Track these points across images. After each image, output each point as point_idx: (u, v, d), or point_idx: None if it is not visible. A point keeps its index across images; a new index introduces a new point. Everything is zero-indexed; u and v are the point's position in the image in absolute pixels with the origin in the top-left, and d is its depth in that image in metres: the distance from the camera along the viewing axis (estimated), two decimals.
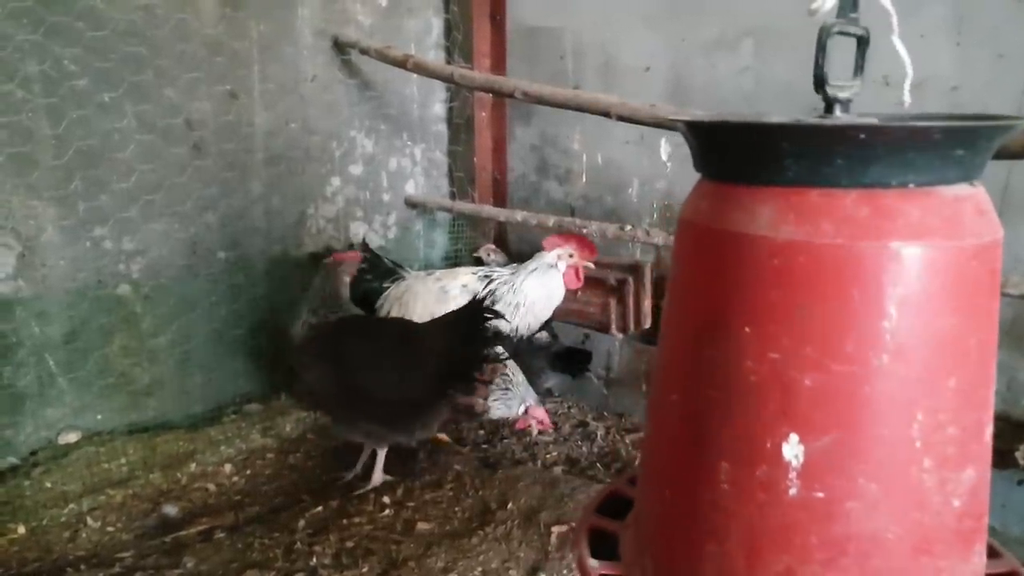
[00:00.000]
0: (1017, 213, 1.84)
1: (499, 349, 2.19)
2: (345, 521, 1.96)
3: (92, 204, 2.25)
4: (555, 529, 1.87)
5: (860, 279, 0.64)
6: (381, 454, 2.19)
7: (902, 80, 0.76)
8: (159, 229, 2.41)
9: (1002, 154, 1.05)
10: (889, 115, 0.75)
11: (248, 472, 2.30)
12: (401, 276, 2.68)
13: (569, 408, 2.82)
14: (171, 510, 2.06)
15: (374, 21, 2.88)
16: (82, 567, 1.78)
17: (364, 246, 2.87)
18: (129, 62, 2.24)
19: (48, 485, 2.08)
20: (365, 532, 1.91)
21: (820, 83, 0.71)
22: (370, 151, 2.98)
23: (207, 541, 1.89)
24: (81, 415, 2.31)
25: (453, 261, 3.24)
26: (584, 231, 2.53)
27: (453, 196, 3.29)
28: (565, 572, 1.72)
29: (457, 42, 3.09)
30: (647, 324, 2.67)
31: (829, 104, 0.73)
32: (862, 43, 0.76)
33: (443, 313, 2.30)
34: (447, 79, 2.71)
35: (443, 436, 2.44)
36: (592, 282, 2.75)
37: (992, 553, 0.83)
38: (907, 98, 0.76)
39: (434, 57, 3.10)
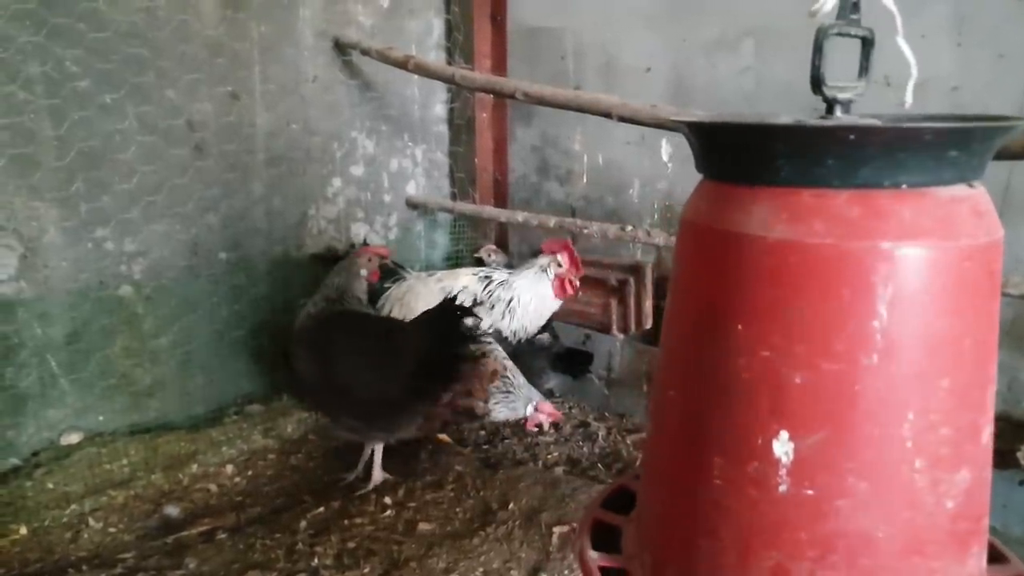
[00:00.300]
0: (1018, 213, 1.84)
1: (474, 348, 2.18)
2: (346, 522, 1.96)
3: (94, 205, 2.25)
4: (556, 529, 1.87)
5: (850, 278, 0.64)
6: (378, 452, 2.20)
7: (904, 80, 0.76)
8: (160, 230, 2.41)
9: (1003, 155, 1.05)
10: (891, 116, 0.75)
11: (250, 473, 2.30)
12: (402, 277, 2.68)
13: (570, 409, 2.82)
14: (173, 511, 2.06)
15: (375, 22, 2.89)
16: (84, 568, 1.78)
17: (365, 247, 2.87)
18: (131, 63, 2.25)
19: (50, 486, 2.08)
20: (367, 533, 1.92)
21: (817, 84, 0.71)
22: (371, 152, 2.99)
23: (209, 542, 1.89)
24: (83, 416, 2.31)
25: (454, 262, 3.24)
26: (585, 231, 2.53)
27: (454, 197, 3.29)
28: (566, 573, 1.72)
29: (458, 43, 3.09)
30: (648, 325, 2.67)
31: (830, 105, 0.73)
32: (866, 44, 0.76)
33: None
34: (448, 80, 2.71)
35: (444, 437, 2.44)
36: (593, 283, 2.75)
37: (997, 557, 0.83)
38: (909, 99, 0.76)
39: (435, 58, 3.10)
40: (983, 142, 0.67)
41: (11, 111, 2.05)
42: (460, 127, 3.22)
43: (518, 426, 2.47)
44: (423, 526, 1.94)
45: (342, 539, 1.89)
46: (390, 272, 2.70)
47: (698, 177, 0.80)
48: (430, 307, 2.24)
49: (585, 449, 2.50)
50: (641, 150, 2.71)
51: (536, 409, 2.25)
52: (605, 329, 2.77)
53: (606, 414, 2.75)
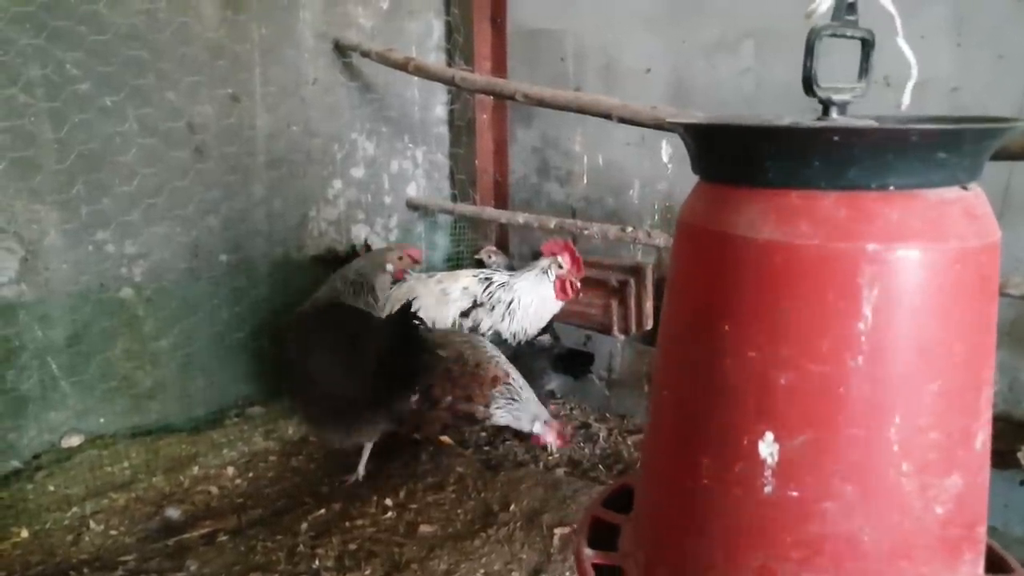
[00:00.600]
0: (1017, 214, 1.84)
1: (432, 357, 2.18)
2: (348, 524, 1.96)
3: (94, 208, 2.26)
4: (557, 531, 1.87)
5: (835, 280, 0.64)
6: (367, 448, 2.23)
7: (904, 81, 0.76)
8: (161, 232, 2.41)
9: (1002, 155, 1.05)
10: (887, 117, 0.75)
11: (250, 475, 2.30)
12: (403, 278, 2.68)
13: (571, 410, 2.82)
14: (174, 513, 2.06)
15: (375, 24, 2.89)
16: (85, 571, 1.78)
17: (366, 248, 2.87)
18: (131, 66, 2.25)
19: (51, 488, 2.08)
20: (368, 534, 1.92)
21: (809, 85, 0.71)
22: (371, 154, 2.99)
23: (210, 544, 1.90)
24: (84, 418, 2.31)
25: (455, 263, 3.25)
26: (585, 232, 2.53)
27: (454, 198, 3.29)
28: (567, 574, 1.72)
29: (458, 44, 3.10)
30: (649, 325, 2.67)
31: (825, 106, 0.73)
32: (866, 46, 0.76)
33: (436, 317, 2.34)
34: (448, 82, 2.72)
35: (446, 438, 2.44)
36: (594, 284, 2.75)
37: (1000, 566, 0.81)
38: (906, 100, 0.76)
39: (435, 60, 3.10)
40: (973, 144, 0.66)
41: (11, 114, 2.06)
42: (460, 129, 3.22)
43: None
44: (424, 528, 1.94)
45: (343, 541, 1.89)
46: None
47: (697, 178, 0.80)
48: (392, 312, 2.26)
49: (586, 450, 2.50)
50: (641, 151, 2.71)
51: (546, 425, 2.23)
52: (606, 330, 2.77)
53: (607, 415, 2.75)
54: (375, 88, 2.94)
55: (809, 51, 0.69)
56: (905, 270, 0.63)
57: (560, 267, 2.51)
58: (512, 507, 2.00)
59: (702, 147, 0.75)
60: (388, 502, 2.07)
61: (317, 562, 1.80)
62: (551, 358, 2.77)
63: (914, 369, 0.64)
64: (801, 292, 0.65)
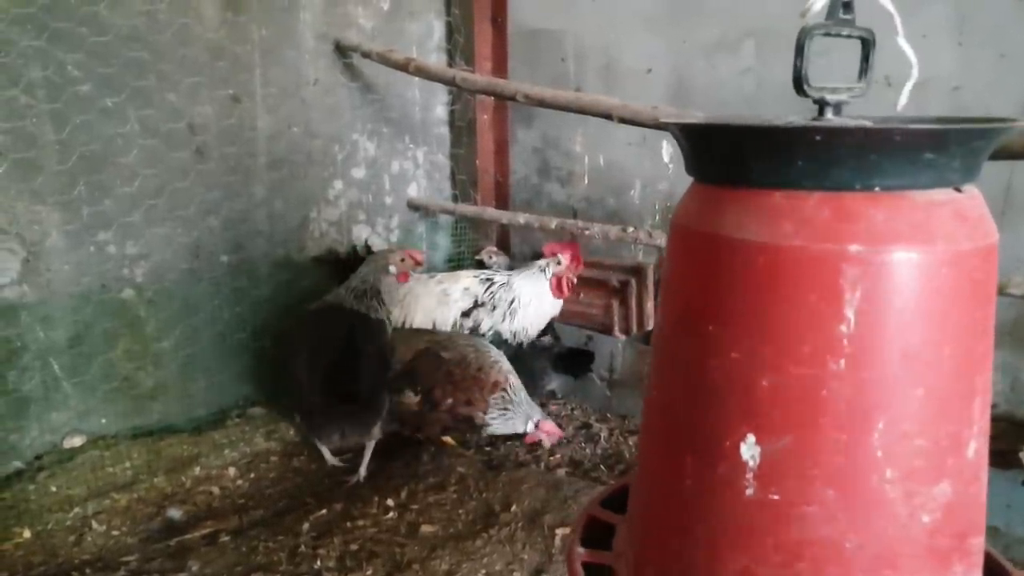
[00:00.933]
0: (1019, 214, 1.84)
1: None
2: (349, 524, 1.97)
3: (96, 209, 2.26)
4: (559, 531, 1.87)
5: (817, 281, 0.63)
6: (368, 448, 2.26)
7: (904, 81, 0.75)
8: (162, 233, 2.42)
9: (1003, 155, 1.05)
10: (884, 118, 0.75)
11: (252, 475, 2.30)
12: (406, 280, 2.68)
13: (572, 410, 2.82)
14: (176, 514, 2.06)
15: (376, 24, 2.89)
16: (87, 571, 1.79)
17: (367, 249, 2.87)
18: (132, 67, 2.25)
19: (53, 489, 2.09)
20: (369, 535, 1.92)
21: (799, 85, 0.70)
22: (372, 154, 2.99)
23: (212, 544, 1.90)
24: (86, 419, 2.32)
25: (455, 264, 3.25)
26: (586, 232, 2.54)
27: (455, 199, 3.29)
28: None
29: (459, 45, 3.10)
30: (650, 326, 2.67)
31: (820, 107, 0.72)
32: (866, 45, 0.75)
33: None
34: (449, 82, 2.72)
35: (448, 439, 2.44)
36: (594, 284, 2.75)
37: None
38: (903, 100, 0.75)
39: (436, 60, 3.10)
40: (962, 145, 0.64)
41: (13, 115, 2.06)
42: (461, 129, 3.22)
43: None
44: (426, 528, 1.94)
45: (345, 541, 1.89)
46: None
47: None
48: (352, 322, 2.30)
49: (587, 451, 2.50)
50: (642, 151, 2.71)
51: (536, 427, 2.24)
52: (607, 330, 2.77)
53: (608, 415, 2.75)
54: (376, 89, 2.94)
55: (799, 50, 0.68)
56: (889, 273, 0.62)
57: (559, 264, 2.52)
58: (513, 507, 2.00)
59: (692, 147, 0.75)
60: (389, 502, 2.07)
61: (319, 562, 1.80)
62: (552, 358, 2.78)
63: (898, 374, 0.63)
64: (783, 293, 0.64)
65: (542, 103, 2.27)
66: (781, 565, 0.66)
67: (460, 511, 2.01)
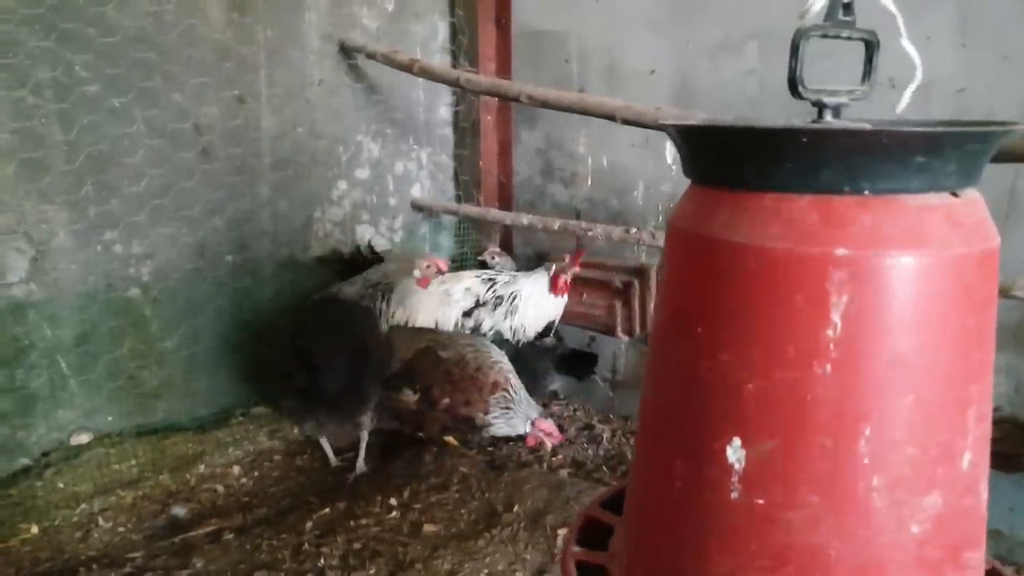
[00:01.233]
0: (1023, 216, 1.84)
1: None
2: (352, 523, 1.98)
3: (102, 208, 2.28)
4: (561, 532, 1.87)
5: (803, 285, 0.62)
6: (362, 440, 2.29)
7: (907, 83, 0.75)
8: (167, 233, 2.43)
9: (1005, 157, 1.05)
10: (885, 120, 0.75)
11: (256, 474, 2.32)
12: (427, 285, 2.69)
13: (575, 411, 2.82)
14: (180, 511, 2.08)
15: (380, 25, 2.90)
16: (94, 567, 1.80)
17: (371, 249, 2.89)
18: (138, 68, 2.27)
19: (60, 486, 2.10)
20: (372, 534, 1.93)
21: (794, 87, 0.69)
22: (376, 155, 3.00)
23: (216, 542, 1.91)
24: (92, 417, 2.33)
25: (459, 264, 3.26)
26: (590, 233, 2.54)
27: (459, 199, 3.30)
28: None
29: (463, 46, 3.11)
30: None
31: (820, 109, 0.72)
32: (869, 47, 0.74)
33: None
34: (453, 83, 2.73)
35: (450, 438, 2.45)
36: (597, 285, 2.76)
37: None
38: (904, 103, 0.75)
39: (439, 61, 3.11)
40: (956, 149, 0.63)
41: (21, 116, 2.08)
42: (465, 130, 3.23)
43: None
44: (428, 527, 1.95)
45: (348, 540, 1.90)
46: None
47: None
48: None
49: (590, 451, 2.51)
50: (646, 152, 2.71)
51: (534, 427, 2.25)
52: (610, 331, 2.77)
53: (611, 416, 2.75)
54: (380, 89, 2.95)
55: (794, 52, 0.68)
56: (877, 277, 0.61)
57: (563, 261, 2.55)
58: (516, 508, 2.00)
59: (688, 149, 0.75)
60: (392, 502, 2.08)
61: (322, 560, 1.81)
62: (554, 359, 2.78)
63: (886, 380, 0.62)
64: (771, 296, 0.64)
65: (546, 104, 2.28)
66: (766, 570, 0.66)
67: (462, 511, 2.02)
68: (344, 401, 2.18)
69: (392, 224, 3.11)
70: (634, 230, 2.40)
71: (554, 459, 2.43)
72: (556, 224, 2.63)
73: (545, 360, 2.73)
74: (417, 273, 2.49)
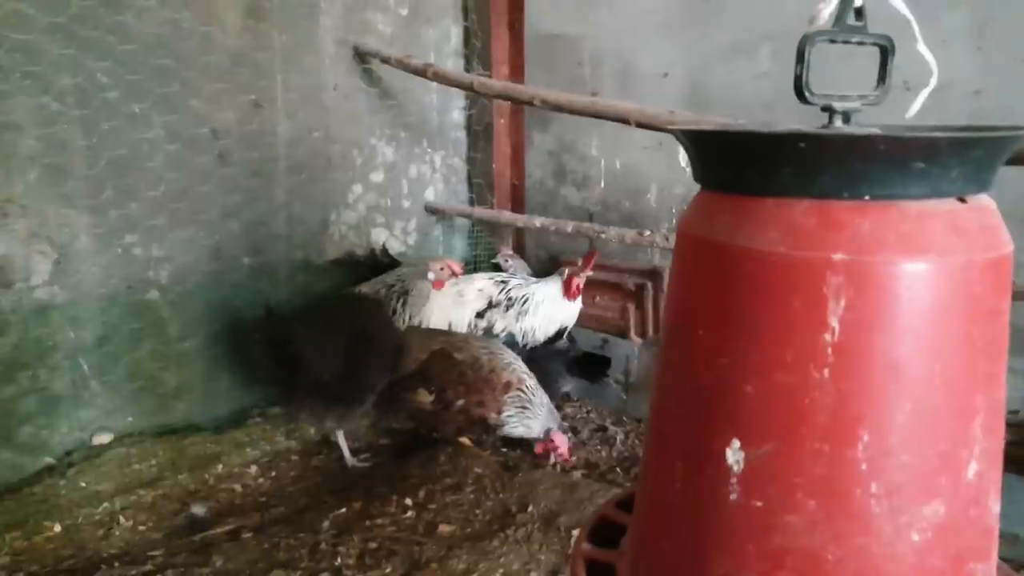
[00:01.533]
0: None
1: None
2: (368, 522, 2.00)
3: (123, 212, 2.32)
4: (575, 533, 1.88)
5: (801, 289, 0.62)
6: (339, 437, 2.35)
7: (922, 86, 0.73)
8: (185, 236, 2.47)
9: (1020, 160, 1.05)
10: (895, 125, 0.75)
11: (273, 474, 2.34)
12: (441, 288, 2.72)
13: (588, 412, 2.83)
14: (199, 510, 2.11)
15: (394, 30, 2.93)
16: (115, 564, 1.83)
17: (384, 252, 2.92)
18: (157, 74, 2.31)
19: (82, 484, 2.14)
20: (388, 533, 1.95)
21: (800, 92, 0.69)
22: (391, 159, 3.03)
23: (234, 541, 1.94)
24: (113, 417, 2.37)
25: (472, 267, 3.28)
26: (602, 236, 2.55)
27: (472, 202, 3.32)
28: None
29: (476, 50, 3.13)
30: None
31: (829, 114, 0.72)
32: (884, 52, 0.74)
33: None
34: (466, 87, 2.75)
35: (465, 439, 2.47)
36: (610, 287, 2.77)
37: None
38: (916, 107, 0.74)
39: (453, 65, 3.14)
40: (957, 155, 0.62)
41: (44, 122, 2.12)
42: (478, 133, 3.25)
43: None
44: (443, 528, 1.96)
45: (364, 539, 1.92)
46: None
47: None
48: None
49: (603, 453, 2.51)
50: (658, 155, 2.72)
51: (548, 435, 2.25)
52: (623, 333, 2.78)
53: (624, 418, 2.76)
54: (394, 94, 2.98)
55: (800, 58, 0.68)
56: (875, 283, 0.60)
57: (576, 265, 2.57)
58: (530, 508, 2.01)
59: (696, 153, 0.75)
60: (408, 502, 2.10)
61: (339, 560, 1.83)
62: (567, 361, 2.79)
63: (883, 387, 0.61)
64: (768, 300, 0.64)
65: (559, 108, 2.29)
66: (763, 572, 0.66)
67: (477, 511, 2.04)
68: (342, 389, 2.18)
69: (406, 227, 3.14)
70: (647, 232, 2.41)
71: (567, 461, 2.44)
72: (569, 227, 2.64)
73: (557, 363, 2.74)
74: (431, 275, 2.53)
